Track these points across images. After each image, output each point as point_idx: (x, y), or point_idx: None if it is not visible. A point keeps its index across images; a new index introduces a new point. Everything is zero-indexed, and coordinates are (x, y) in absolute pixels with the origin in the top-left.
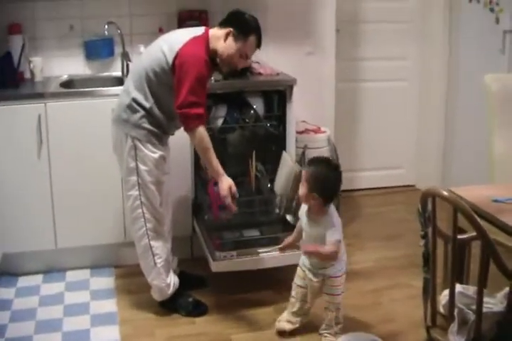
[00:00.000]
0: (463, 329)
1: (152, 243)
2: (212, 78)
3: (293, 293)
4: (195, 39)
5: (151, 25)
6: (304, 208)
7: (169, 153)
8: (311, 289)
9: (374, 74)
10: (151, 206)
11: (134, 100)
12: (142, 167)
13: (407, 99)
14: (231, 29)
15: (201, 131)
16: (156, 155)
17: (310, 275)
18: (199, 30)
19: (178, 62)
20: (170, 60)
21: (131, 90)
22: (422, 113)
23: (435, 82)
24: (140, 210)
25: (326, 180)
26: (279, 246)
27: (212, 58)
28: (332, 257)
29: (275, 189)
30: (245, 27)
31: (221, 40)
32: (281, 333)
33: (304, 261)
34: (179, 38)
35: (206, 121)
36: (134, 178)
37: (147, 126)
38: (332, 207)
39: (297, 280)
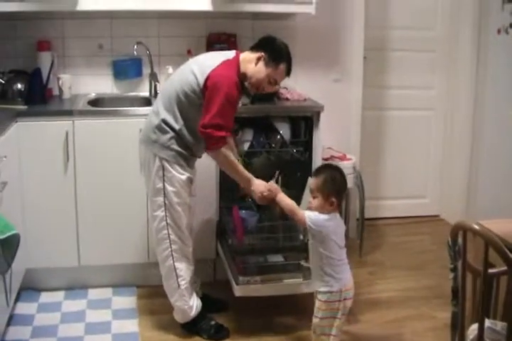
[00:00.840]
0: None
1: (177, 264)
2: (240, 102)
3: None
4: (226, 62)
5: (180, 46)
6: None
7: (196, 176)
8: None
9: (400, 102)
10: (176, 227)
11: (164, 121)
12: (169, 188)
13: (432, 128)
14: (263, 54)
15: (223, 151)
16: (183, 177)
17: None
18: (230, 54)
19: (209, 84)
20: (201, 82)
21: (161, 111)
22: (447, 142)
23: (461, 112)
24: (165, 231)
25: (338, 180)
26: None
27: (242, 81)
28: (287, 210)
29: None
30: (277, 54)
31: (252, 63)
32: None
33: None
34: (210, 60)
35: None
36: (160, 199)
37: (176, 147)
38: (336, 214)
39: None
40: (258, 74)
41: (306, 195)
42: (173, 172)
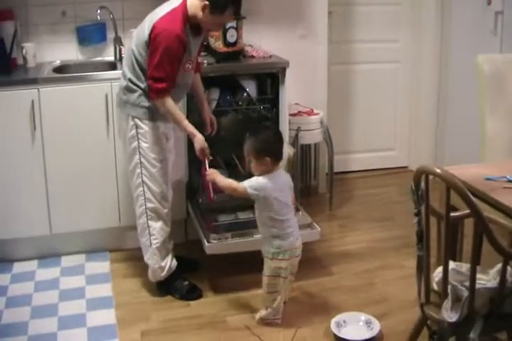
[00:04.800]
0: (456, 306)
1: (150, 223)
2: (205, 61)
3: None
4: (170, 13)
5: (144, 9)
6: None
7: (172, 132)
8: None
9: (366, 56)
10: (153, 185)
11: (130, 81)
12: (143, 144)
13: (399, 80)
14: (206, 3)
15: (164, 101)
16: (156, 132)
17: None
18: (176, 2)
19: (152, 36)
20: (148, 35)
21: (127, 72)
22: (415, 94)
23: (427, 64)
24: (141, 189)
25: (265, 139)
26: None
27: (195, 24)
28: (227, 189)
29: None
30: (219, 3)
31: (200, 11)
32: None
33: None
34: (159, 12)
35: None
36: (136, 157)
37: (145, 104)
38: (278, 173)
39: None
40: (206, 23)
41: None
42: (146, 128)
